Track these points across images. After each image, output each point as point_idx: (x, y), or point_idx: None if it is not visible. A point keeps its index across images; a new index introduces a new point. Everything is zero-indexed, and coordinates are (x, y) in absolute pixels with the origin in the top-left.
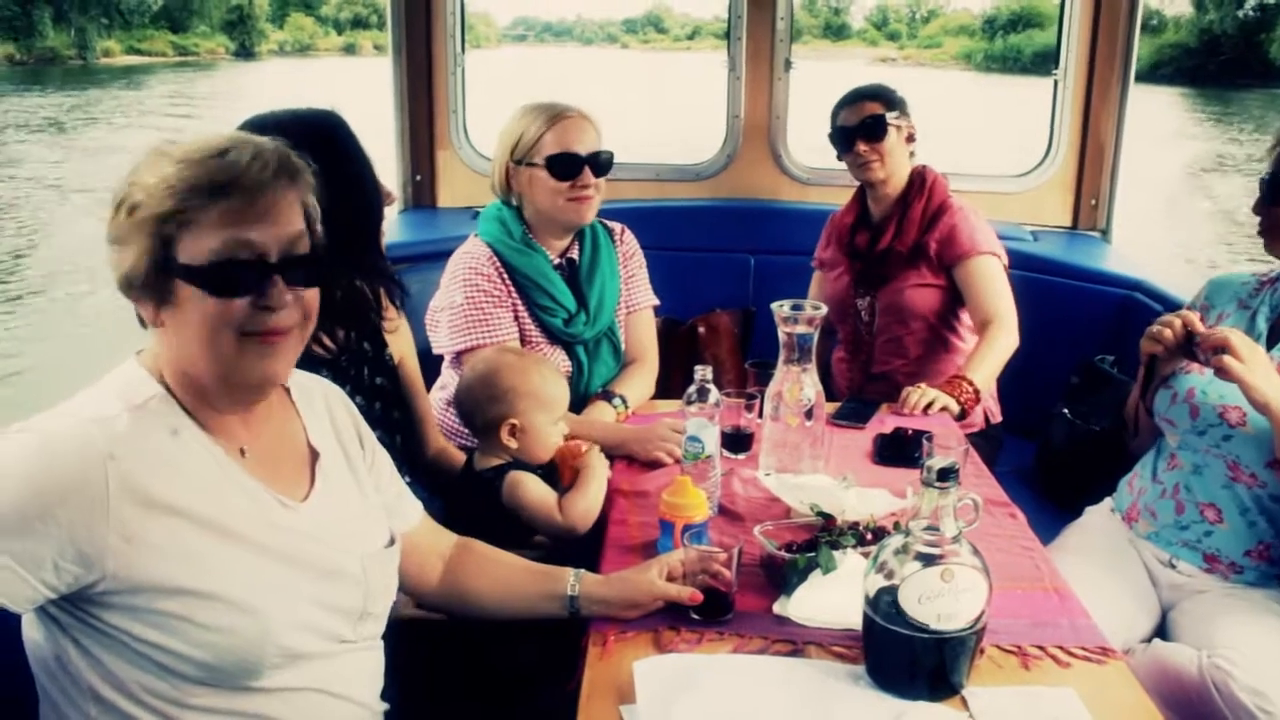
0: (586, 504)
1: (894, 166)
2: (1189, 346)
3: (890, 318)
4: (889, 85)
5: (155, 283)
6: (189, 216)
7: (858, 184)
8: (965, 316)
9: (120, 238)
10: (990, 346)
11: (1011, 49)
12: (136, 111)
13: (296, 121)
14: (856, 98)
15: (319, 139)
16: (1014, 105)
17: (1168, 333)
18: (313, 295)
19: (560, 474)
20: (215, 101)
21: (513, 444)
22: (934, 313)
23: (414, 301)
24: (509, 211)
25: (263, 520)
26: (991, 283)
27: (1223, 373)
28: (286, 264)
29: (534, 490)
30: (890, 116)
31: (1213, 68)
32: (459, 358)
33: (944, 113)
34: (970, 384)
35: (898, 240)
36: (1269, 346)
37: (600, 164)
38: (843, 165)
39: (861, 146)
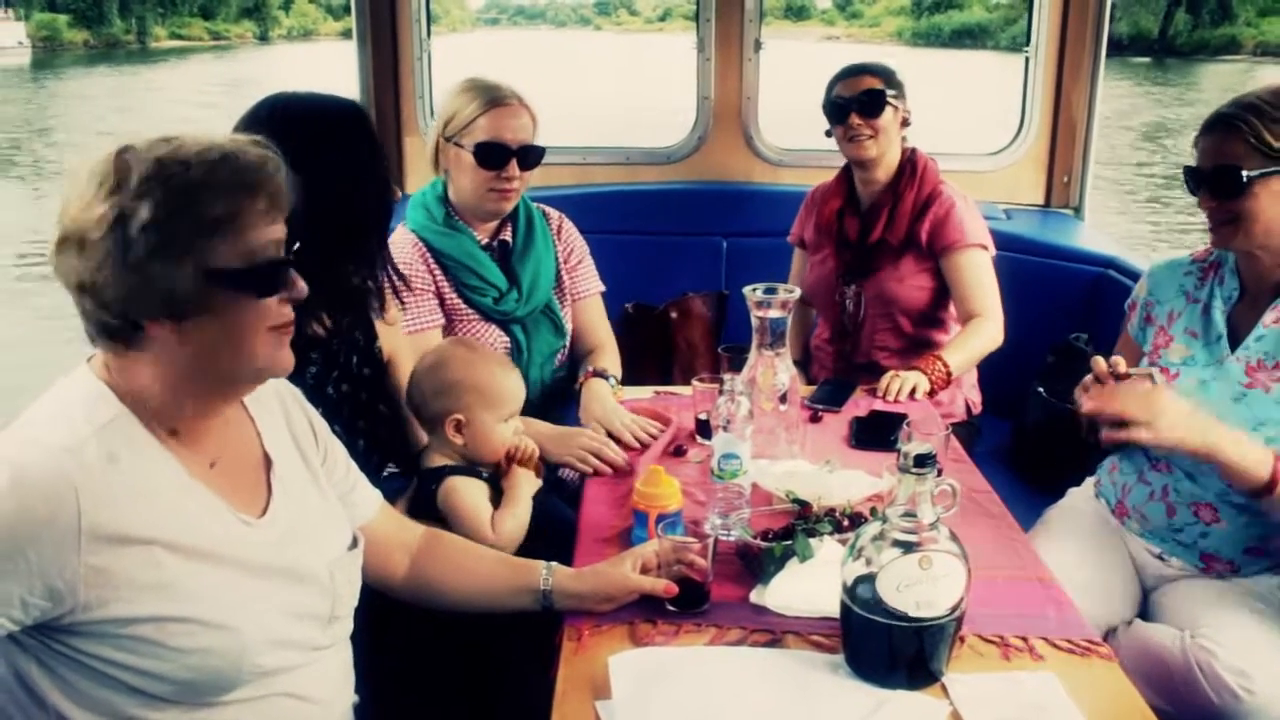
0: (514, 521)
1: (886, 145)
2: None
3: (878, 309)
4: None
5: (197, 296)
6: (234, 222)
7: (840, 165)
8: (953, 309)
9: (139, 263)
10: (974, 335)
11: (933, 27)
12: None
13: (324, 107)
14: (856, 71)
15: (346, 126)
16: (938, 75)
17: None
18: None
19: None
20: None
21: (458, 440)
22: (923, 305)
23: None
24: (433, 195)
25: (230, 536)
26: (979, 277)
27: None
28: (290, 255)
29: (468, 499)
30: (889, 94)
31: None
32: None
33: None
34: (943, 364)
35: (889, 231)
36: (1232, 345)
37: (528, 158)
38: (815, 146)
39: (855, 120)
